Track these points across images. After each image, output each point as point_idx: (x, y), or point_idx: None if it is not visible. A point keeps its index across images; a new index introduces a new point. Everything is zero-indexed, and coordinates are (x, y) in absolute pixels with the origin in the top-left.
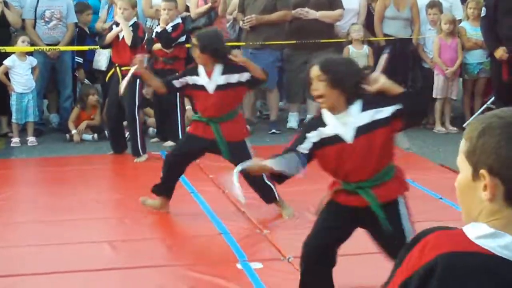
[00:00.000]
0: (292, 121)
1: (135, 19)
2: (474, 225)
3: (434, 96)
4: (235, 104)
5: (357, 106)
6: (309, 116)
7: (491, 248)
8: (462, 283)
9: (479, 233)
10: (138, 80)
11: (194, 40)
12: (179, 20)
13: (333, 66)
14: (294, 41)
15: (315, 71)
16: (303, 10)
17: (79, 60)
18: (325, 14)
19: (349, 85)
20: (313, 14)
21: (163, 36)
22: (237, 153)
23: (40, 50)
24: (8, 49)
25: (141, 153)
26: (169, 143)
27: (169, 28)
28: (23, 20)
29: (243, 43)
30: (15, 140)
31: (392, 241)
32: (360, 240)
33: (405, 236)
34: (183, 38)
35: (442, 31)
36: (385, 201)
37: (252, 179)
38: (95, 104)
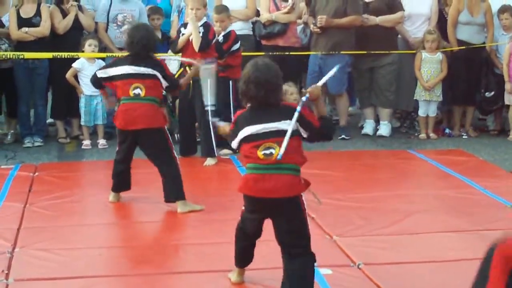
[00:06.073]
0: (368, 128)
1: (205, 19)
2: None
3: (506, 103)
4: None
5: None
6: (382, 123)
7: None
8: None
9: None
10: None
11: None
12: (231, 28)
13: None
14: (364, 52)
15: None
16: (362, 17)
17: None
18: (385, 18)
19: None
20: (373, 20)
21: (216, 48)
22: None
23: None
24: (81, 55)
25: (215, 154)
26: (225, 151)
27: (220, 38)
28: (96, 23)
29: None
30: (86, 143)
31: None
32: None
33: None
34: (236, 46)
35: None
36: None
37: None
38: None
